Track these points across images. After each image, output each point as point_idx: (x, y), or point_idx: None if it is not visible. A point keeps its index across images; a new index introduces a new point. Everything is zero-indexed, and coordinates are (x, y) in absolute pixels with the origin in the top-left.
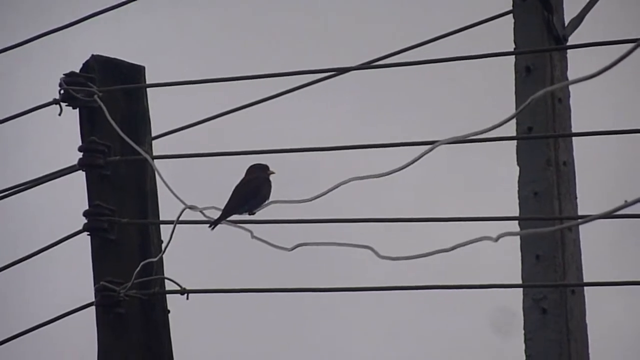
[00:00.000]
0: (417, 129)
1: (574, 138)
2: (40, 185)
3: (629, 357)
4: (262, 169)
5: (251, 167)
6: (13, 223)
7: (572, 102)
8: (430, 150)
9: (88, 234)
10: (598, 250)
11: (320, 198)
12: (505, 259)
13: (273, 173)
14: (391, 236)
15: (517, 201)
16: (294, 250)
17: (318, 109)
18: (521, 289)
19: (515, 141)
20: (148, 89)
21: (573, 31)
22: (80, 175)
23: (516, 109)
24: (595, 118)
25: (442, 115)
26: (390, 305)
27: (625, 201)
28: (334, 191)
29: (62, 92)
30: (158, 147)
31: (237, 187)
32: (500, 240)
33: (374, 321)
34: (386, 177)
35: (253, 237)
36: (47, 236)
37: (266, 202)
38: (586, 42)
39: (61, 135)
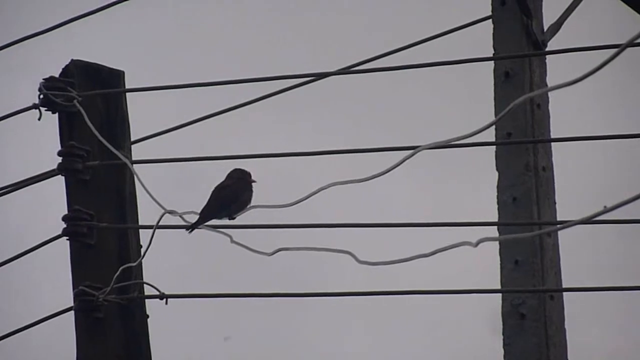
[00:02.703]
0: (397, 134)
1: (552, 143)
2: (20, 190)
3: None
4: (244, 174)
5: (233, 171)
6: None
7: (551, 107)
8: (411, 155)
9: (67, 239)
10: (577, 255)
11: (301, 203)
12: (483, 264)
13: (254, 182)
14: (371, 241)
15: (496, 206)
16: (273, 255)
17: (298, 114)
18: (500, 295)
19: (494, 146)
20: (127, 94)
21: (552, 37)
22: (60, 179)
23: (495, 114)
24: (574, 123)
25: (422, 121)
26: (370, 310)
27: (605, 207)
28: (314, 196)
29: (41, 96)
30: (137, 151)
31: (216, 190)
32: (480, 245)
33: (353, 326)
34: (367, 182)
35: (233, 241)
36: (26, 241)
37: (247, 207)
38: (565, 47)
39: (40, 139)
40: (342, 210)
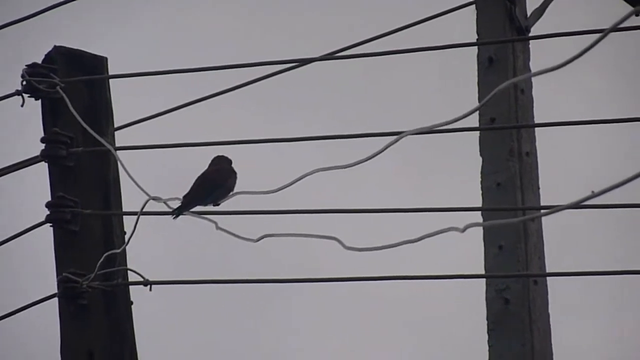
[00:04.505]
0: (381, 120)
1: (536, 129)
2: (3, 177)
3: (592, 347)
4: (227, 161)
5: (216, 157)
6: None
7: (535, 93)
8: (396, 141)
9: (51, 226)
10: (560, 240)
11: (286, 189)
12: (467, 249)
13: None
14: (357, 227)
15: (480, 192)
16: (259, 242)
17: (283, 100)
18: (484, 280)
19: (478, 132)
20: (110, 80)
21: (535, 22)
22: (43, 166)
23: (479, 99)
24: (558, 109)
25: (405, 106)
26: (357, 296)
27: (592, 192)
28: (299, 183)
29: (24, 83)
30: (121, 138)
31: (201, 177)
32: (465, 231)
33: (340, 312)
34: (352, 168)
35: (218, 228)
36: (9, 228)
37: (231, 193)
38: (548, 32)
39: (24, 126)
40: (327, 197)
